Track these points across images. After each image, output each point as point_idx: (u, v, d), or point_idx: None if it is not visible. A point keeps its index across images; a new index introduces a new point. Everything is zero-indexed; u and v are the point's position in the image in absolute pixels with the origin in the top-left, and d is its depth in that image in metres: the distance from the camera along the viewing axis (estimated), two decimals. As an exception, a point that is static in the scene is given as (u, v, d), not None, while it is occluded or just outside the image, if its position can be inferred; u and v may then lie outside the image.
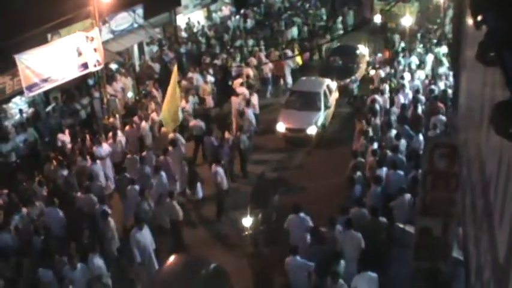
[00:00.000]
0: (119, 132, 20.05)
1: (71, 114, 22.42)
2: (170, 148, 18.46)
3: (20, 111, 21.78)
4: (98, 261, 13.64)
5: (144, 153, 18.59)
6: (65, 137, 20.31)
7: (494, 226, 4.16)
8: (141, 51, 29.72)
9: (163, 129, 20.43)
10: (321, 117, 22.43)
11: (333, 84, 24.79)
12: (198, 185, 18.13)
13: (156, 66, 27.48)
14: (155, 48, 30.19)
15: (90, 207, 15.94)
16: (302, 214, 14.17)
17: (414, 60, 27.08)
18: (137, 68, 28.60)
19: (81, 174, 17.79)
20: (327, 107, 23.05)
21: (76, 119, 22.42)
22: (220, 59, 28.36)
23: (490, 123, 3.56)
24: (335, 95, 24.70)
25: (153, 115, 21.48)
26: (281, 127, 22.10)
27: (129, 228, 15.36)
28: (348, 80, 26.62)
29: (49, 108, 22.70)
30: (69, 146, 20.04)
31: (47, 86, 19.50)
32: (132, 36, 27.83)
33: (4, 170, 19.17)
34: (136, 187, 16.45)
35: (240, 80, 25.19)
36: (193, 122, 21.20)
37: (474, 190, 5.70)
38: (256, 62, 28.09)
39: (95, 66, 20.60)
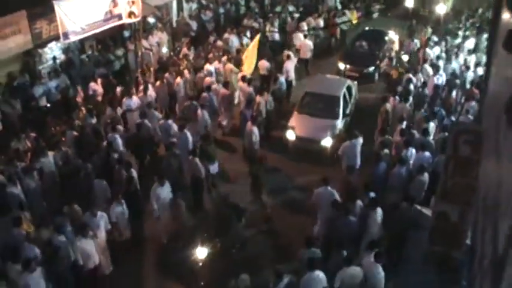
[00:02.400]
0: (150, 87, 20.14)
1: (104, 64, 22.63)
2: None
3: (54, 58, 21.98)
4: (119, 209, 13.93)
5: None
6: (96, 86, 20.59)
7: (499, 217, 4.14)
8: (180, 7, 29.58)
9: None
10: (338, 126, 19.05)
11: (354, 86, 21.69)
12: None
13: (194, 24, 27.45)
14: (194, 6, 30.08)
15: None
16: (329, 187, 14.32)
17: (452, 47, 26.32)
18: (174, 24, 28.52)
19: (108, 124, 17.97)
20: (345, 115, 19.68)
21: (109, 69, 22.59)
22: (258, 23, 28.18)
23: (504, 113, 3.52)
24: (355, 97, 21.63)
25: (185, 72, 21.52)
26: (291, 135, 18.90)
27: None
28: (370, 69, 24.98)
29: (83, 56, 22.89)
30: (100, 95, 20.28)
31: (83, 35, 19.60)
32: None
33: (34, 113, 19.50)
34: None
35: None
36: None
37: (489, 180, 5.66)
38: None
39: (130, 17, 20.58)
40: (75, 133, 17.36)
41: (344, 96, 19.91)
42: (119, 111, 18.79)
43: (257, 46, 21.73)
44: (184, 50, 24.22)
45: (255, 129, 17.62)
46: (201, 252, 12.28)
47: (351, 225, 13.25)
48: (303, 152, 18.57)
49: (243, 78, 20.67)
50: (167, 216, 14.65)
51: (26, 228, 13.15)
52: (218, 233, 14.29)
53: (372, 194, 14.01)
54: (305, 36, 25.67)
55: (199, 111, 18.57)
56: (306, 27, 27.28)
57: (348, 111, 19.90)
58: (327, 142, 18.36)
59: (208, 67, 22.04)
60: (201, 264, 12.52)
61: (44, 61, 21.85)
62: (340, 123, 19.11)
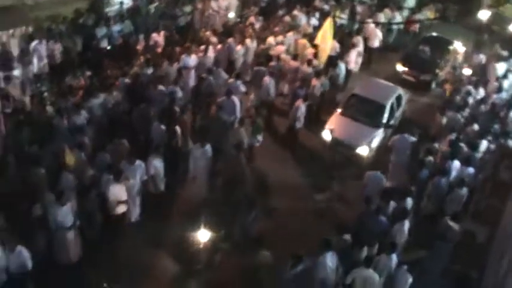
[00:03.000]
0: (211, 48, 20.02)
1: (169, 18, 22.54)
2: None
3: (121, 2, 22.07)
4: (157, 163, 13.94)
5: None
6: (158, 38, 20.63)
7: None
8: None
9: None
10: (378, 137, 17.85)
11: (405, 96, 20.21)
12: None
13: (265, -6, 27.11)
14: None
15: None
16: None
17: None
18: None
19: (163, 78, 17.96)
20: (388, 125, 18.42)
21: (174, 23, 22.53)
22: (329, 6, 27.65)
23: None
24: (403, 108, 20.09)
25: (248, 41, 21.30)
26: (327, 135, 17.87)
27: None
28: (428, 76, 23.51)
29: (151, 6, 22.91)
30: (160, 47, 20.30)
31: None
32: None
33: (93, 53, 19.68)
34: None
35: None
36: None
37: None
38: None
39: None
40: (127, 80, 17.38)
41: (392, 105, 18.70)
42: (175, 66, 18.70)
43: (331, 31, 21.11)
44: (252, 18, 23.96)
45: (303, 107, 17.47)
46: (203, 235, 12.04)
47: (381, 225, 12.93)
48: (336, 155, 17.75)
49: (309, 62, 20.22)
50: (202, 179, 14.58)
51: (68, 160, 13.29)
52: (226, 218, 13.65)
53: (409, 201, 13.69)
54: (376, 25, 25.04)
55: (266, 77, 18.53)
56: (382, 19, 26.54)
57: (391, 122, 18.67)
58: (363, 151, 17.25)
59: (271, 40, 21.79)
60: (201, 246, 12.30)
61: (111, 4, 21.89)
62: (381, 134, 17.91)
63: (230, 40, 20.95)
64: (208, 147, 14.52)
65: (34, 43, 18.66)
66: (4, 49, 18.90)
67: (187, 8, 23.43)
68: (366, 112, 18.16)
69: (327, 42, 20.75)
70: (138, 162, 13.47)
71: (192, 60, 19.09)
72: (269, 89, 18.43)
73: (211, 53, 19.81)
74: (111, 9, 21.77)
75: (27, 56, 18.47)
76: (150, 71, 18.09)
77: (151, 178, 13.85)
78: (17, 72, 18.26)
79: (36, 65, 18.52)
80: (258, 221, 13.43)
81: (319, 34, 20.97)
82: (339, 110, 18.45)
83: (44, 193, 12.22)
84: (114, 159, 13.78)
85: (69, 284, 11.82)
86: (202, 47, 20.06)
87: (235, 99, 16.82)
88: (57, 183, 12.56)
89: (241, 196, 13.91)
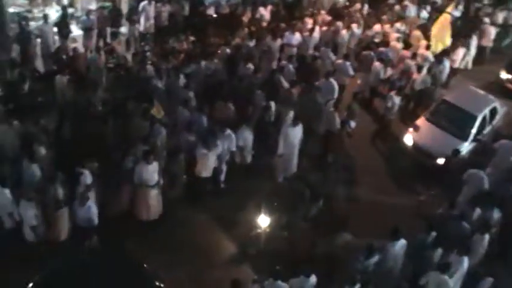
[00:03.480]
0: (317, 29, 19.68)
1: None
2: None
3: (235, -29, 22.09)
4: (247, 134, 13.87)
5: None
6: (264, 12, 20.53)
7: None
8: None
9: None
10: (463, 149, 15.91)
11: (501, 110, 17.92)
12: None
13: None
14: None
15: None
16: (482, 172, 13.99)
17: None
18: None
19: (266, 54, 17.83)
20: (477, 140, 16.47)
21: (285, 0, 22.31)
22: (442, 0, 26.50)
23: None
24: (497, 123, 17.80)
25: (354, 26, 20.74)
26: (409, 140, 16.55)
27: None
28: None
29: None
30: (265, 21, 20.17)
31: None
32: None
33: (199, 19, 19.86)
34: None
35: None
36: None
37: None
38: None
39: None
40: (228, 50, 17.34)
41: (484, 118, 16.88)
42: (278, 42, 18.51)
43: (448, 27, 20.13)
44: (358, 5, 23.37)
45: (395, 99, 16.79)
46: (263, 220, 11.76)
47: (463, 231, 12.19)
48: (414, 162, 16.36)
49: (413, 55, 19.46)
50: (288, 158, 14.38)
51: (156, 113, 13.51)
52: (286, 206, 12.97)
53: (497, 213, 12.85)
54: (492, 24, 23.72)
55: (376, 63, 18.20)
56: (499, 19, 25.10)
57: (480, 137, 16.70)
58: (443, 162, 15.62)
59: (377, 28, 21.17)
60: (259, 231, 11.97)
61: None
62: (466, 146, 16.15)
63: (338, 23, 20.48)
64: (300, 126, 14.24)
65: (143, 3, 19.10)
66: (115, 6, 19.46)
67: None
68: (454, 121, 16.63)
69: (443, 36, 19.88)
70: (228, 131, 13.39)
71: (296, 38, 18.82)
72: (378, 74, 18.05)
73: (316, 34, 19.46)
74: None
75: (135, 15, 18.85)
76: (252, 43, 17.99)
77: (240, 149, 13.75)
78: (123, 30, 18.77)
79: (142, 24, 18.99)
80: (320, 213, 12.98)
81: (435, 27, 20.10)
82: (426, 115, 17.06)
83: (136, 147, 12.36)
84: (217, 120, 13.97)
85: (142, 239, 11.83)
86: (309, 26, 19.67)
87: (334, 81, 16.45)
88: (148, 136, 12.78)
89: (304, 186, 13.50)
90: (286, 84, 15.91)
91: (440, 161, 15.44)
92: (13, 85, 15.17)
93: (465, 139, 16.15)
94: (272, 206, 12.16)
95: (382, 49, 19.32)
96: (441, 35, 19.79)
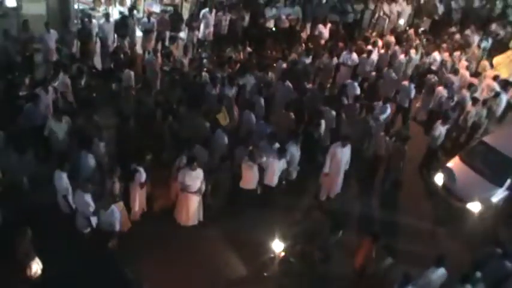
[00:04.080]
0: (375, 51, 19.52)
1: (339, 12, 22.27)
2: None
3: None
4: (294, 150, 13.64)
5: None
6: (324, 29, 20.46)
7: None
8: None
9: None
10: (497, 197, 14.70)
11: None
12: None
13: (441, 8, 25.94)
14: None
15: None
16: None
17: None
18: (421, 1, 27.27)
19: (321, 72, 17.76)
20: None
21: (342, 19, 22.22)
22: (505, 32, 25.96)
23: None
24: None
25: (412, 52, 20.42)
26: (440, 179, 15.35)
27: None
28: None
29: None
30: (323, 39, 20.12)
31: None
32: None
33: (259, 31, 20.17)
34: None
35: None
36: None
37: None
38: None
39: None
40: (284, 65, 17.34)
41: None
42: (335, 61, 18.42)
43: None
44: (411, 33, 23.04)
45: (442, 128, 16.17)
46: (277, 246, 11.26)
47: (505, 271, 11.63)
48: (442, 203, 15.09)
49: (469, 86, 19.01)
50: (334, 177, 14.20)
51: (222, 119, 13.68)
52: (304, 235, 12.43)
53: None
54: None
55: (440, 87, 17.83)
56: None
57: None
58: (474, 207, 14.40)
59: (436, 56, 20.84)
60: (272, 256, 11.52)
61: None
62: (501, 194, 14.82)
63: (396, 48, 20.27)
64: (348, 147, 14.05)
65: (204, 11, 19.30)
66: (176, 11, 19.73)
67: (359, 6, 22.98)
68: (492, 165, 15.26)
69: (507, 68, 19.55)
70: (276, 145, 13.30)
71: (353, 59, 18.68)
72: (441, 99, 17.60)
73: (374, 56, 19.28)
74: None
75: (195, 22, 19.05)
76: (308, 60, 17.93)
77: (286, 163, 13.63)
78: (182, 34, 19.00)
79: (202, 31, 19.18)
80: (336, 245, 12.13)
81: (499, 58, 19.78)
82: (460, 155, 15.83)
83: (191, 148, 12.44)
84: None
85: (177, 244, 11.82)
86: (369, 47, 19.54)
87: (389, 106, 16.22)
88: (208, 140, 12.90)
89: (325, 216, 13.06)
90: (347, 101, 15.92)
91: (472, 206, 14.36)
92: (71, 79, 15.49)
93: (500, 185, 14.82)
94: (291, 232, 11.90)
95: (449, 75, 18.96)
96: (505, 66, 19.45)
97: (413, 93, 17.48)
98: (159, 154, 12.65)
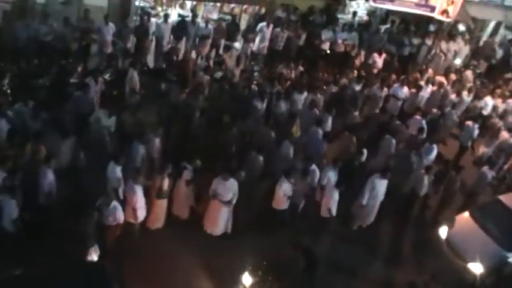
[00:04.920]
0: (426, 89, 19.01)
1: (396, 43, 22.05)
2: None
3: (354, 13, 22.19)
4: (332, 174, 13.50)
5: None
6: (378, 59, 20.32)
7: None
8: (496, 30, 27.69)
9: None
10: (501, 262, 13.40)
11: None
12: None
13: (499, 53, 25.01)
14: (510, 35, 27.96)
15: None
16: None
17: None
18: (481, 43, 26.87)
19: (370, 100, 17.62)
20: None
21: (398, 50, 21.99)
22: None
23: None
24: None
25: (464, 94, 19.93)
26: (444, 232, 14.09)
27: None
28: None
29: (382, 26, 22.66)
30: (376, 69, 19.96)
31: (390, 6, 20.16)
32: (495, 12, 25.97)
33: (313, 52, 20.08)
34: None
35: None
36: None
37: None
38: None
39: (442, 15, 19.69)
40: (333, 90, 17.24)
41: None
42: (385, 91, 18.22)
43: None
44: (471, 73, 22.70)
45: (488, 175, 15.68)
46: (246, 279, 10.61)
47: None
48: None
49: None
50: (370, 208, 13.97)
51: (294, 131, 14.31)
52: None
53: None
54: None
55: (504, 132, 17.55)
56: None
57: None
58: (476, 268, 12.86)
59: (488, 100, 20.41)
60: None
61: (346, 12, 22.00)
62: (507, 259, 13.50)
63: (448, 86, 19.96)
64: (386, 181, 13.83)
65: (261, 24, 19.33)
66: (234, 20, 19.84)
67: (416, 40, 22.73)
68: (503, 227, 13.86)
69: None
70: (313, 166, 13.15)
71: (403, 92, 18.42)
72: (508, 143, 17.20)
73: (424, 93, 18.96)
74: (343, 17, 21.95)
75: (251, 34, 19.12)
76: (358, 87, 17.78)
77: (322, 187, 13.47)
78: (237, 45, 19.06)
79: (256, 44, 19.24)
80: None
81: None
82: (471, 210, 14.57)
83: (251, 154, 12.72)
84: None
85: (201, 252, 11.70)
86: (421, 83, 19.27)
87: (435, 147, 15.89)
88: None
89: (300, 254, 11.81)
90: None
91: (473, 267, 12.90)
92: (122, 73, 15.69)
93: (509, 250, 13.46)
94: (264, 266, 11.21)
95: None
96: None
97: (476, 133, 17.16)
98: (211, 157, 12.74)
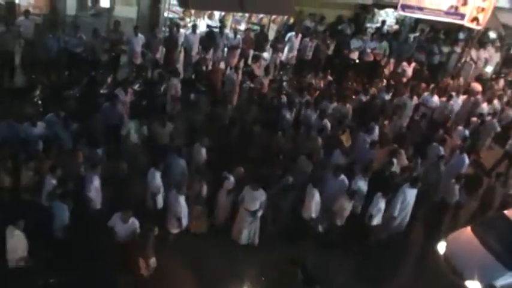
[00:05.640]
0: (455, 98, 18.83)
1: (425, 52, 21.83)
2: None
3: (383, 22, 22.19)
4: (362, 184, 13.37)
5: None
6: (407, 68, 20.30)
7: None
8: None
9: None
10: (502, 281, 12.19)
11: None
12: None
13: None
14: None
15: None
16: None
17: None
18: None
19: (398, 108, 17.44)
20: None
21: (428, 59, 21.75)
22: None
23: None
24: None
25: (495, 102, 19.69)
26: (442, 248, 13.17)
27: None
28: None
29: (411, 34, 22.52)
30: (406, 78, 19.84)
31: (418, 15, 19.97)
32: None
33: (342, 62, 20.12)
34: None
35: None
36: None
37: None
38: None
39: (472, 23, 19.46)
40: (364, 99, 17.13)
41: None
42: (415, 101, 18.01)
43: None
44: (502, 80, 22.38)
45: None
46: None
47: None
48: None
49: None
50: (401, 218, 13.76)
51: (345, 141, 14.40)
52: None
53: None
54: None
55: None
56: None
57: None
58: (473, 286, 12.17)
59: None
60: None
61: (374, 21, 21.91)
62: (508, 279, 12.36)
63: (478, 96, 19.66)
64: (415, 190, 13.58)
65: (290, 34, 19.34)
66: (262, 30, 19.88)
67: (446, 49, 22.51)
68: (507, 244, 12.84)
69: None
70: (342, 176, 13.00)
71: (433, 101, 18.21)
72: None
73: (453, 102, 18.69)
74: (372, 26, 21.81)
75: (280, 44, 19.12)
76: (388, 96, 17.64)
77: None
78: (266, 55, 19.08)
79: (285, 54, 19.24)
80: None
81: None
82: (472, 226, 13.61)
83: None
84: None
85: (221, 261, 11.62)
86: (453, 92, 19.01)
87: (466, 157, 15.62)
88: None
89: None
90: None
91: (471, 285, 12.19)
92: (151, 84, 15.80)
93: (509, 269, 12.36)
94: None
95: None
96: None
97: None
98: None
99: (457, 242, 13.22)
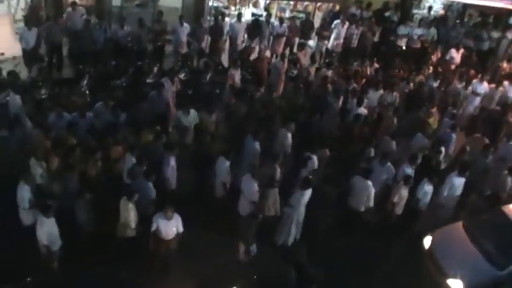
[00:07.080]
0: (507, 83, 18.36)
1: (474, 38, 21.29)
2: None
3: (430, 8, 22.11)
4: (409, 171, 13.16)
5: None
6: (455, 55, 19.61)
7: None
8: None
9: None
10: (489, 280, 11.28)
11: None
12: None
13: None
14: None
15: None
16: None
17: None
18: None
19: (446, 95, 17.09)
20: None
21: (476, 45, 21.10)
22: None
23: None
24: None
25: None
26: (427, 242, 12.31)
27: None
28: None
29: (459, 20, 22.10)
30: (454, 64, 19.43)
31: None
32: None
33: (388, 49, 19.78)
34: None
35: None
36: None
37: None
38: None
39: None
40: (410, 87, 16.84)
41: None
42: (461, 89, 17.61)
43: None
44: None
45: None
46: None
47: None
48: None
49: None
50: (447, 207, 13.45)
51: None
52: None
53: None
54: None
55: None
56: None
57: None
58: (455, 285, 11.19)
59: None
60: None
61: (421, 7, 21.55)
62: (495, 279, 11.35)
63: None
64: (463, 179, 13.24)
65: (336, 21, 19.17)
66: (308, 19, 19.74)
67: (495, 34, 21.96)
68: (499, 242, 11.80)
69: None
70: (388, 164, 12.68)
71: (482, 88, 17.76)
72: None
73: (502, 89, 18.22)
74: (419, 12, 21.48)
75: (326, 31, 18.98)
76: (435, 84, 17.31)
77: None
78: (311, 43, 18.95)
79: (331, 42, 19.10)
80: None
81: None
82: (465, 221, 12.68)
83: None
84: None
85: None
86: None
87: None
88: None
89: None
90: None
91: (452, 283, 11.21)
92: (197, 73, 15.86)
93: (500, 269, 11.32)
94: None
95: None
96: None
97: None
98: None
99: (445, 237, 12.29)
